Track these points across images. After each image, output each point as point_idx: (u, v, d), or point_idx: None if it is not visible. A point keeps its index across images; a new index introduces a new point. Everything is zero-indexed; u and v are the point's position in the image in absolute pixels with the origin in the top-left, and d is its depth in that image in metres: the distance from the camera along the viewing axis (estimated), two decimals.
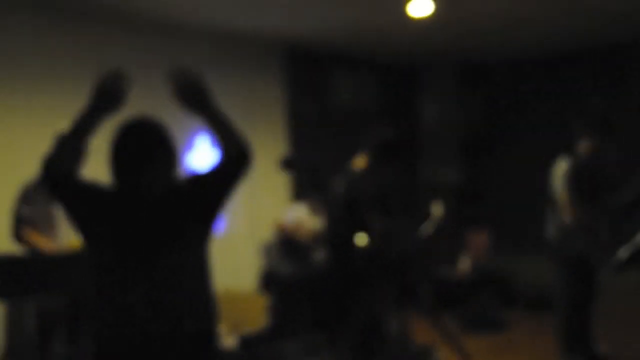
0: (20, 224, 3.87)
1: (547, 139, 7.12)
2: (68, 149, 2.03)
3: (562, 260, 4.23)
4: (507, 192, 7.69)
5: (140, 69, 5.56)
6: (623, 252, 3.59)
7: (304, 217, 5.95)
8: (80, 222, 2.07)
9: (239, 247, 6.21)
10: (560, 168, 4.23)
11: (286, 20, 5.72)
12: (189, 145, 5.76)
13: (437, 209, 3.81)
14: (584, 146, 4.23)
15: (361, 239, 3.36)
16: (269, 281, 5.89)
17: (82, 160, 2.05)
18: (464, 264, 7.00)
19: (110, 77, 2.05)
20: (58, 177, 2.03)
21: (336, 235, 3.64)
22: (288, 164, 2.51)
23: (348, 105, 7.30)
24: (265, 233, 6.08)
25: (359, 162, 3.96)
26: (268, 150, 6.36)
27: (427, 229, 3.71)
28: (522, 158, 7.56)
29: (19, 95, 4.80)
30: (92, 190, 2.07)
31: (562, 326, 4.24)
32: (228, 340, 4.56)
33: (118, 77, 2.06)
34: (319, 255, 5.85)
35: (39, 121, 4.76)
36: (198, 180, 2.17)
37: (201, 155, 5.82)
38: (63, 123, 3.76)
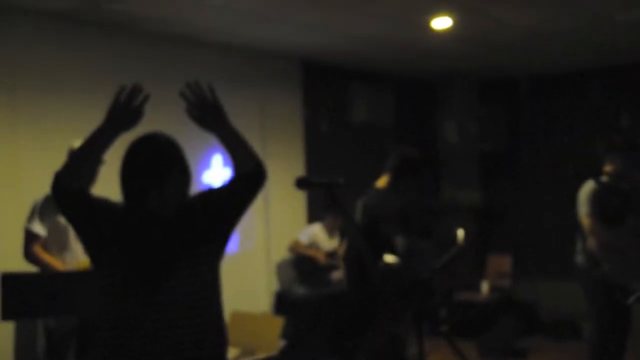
0: (31, 242, 3.78)
1: (573, 158, 6.98)
2: (80, 164, 2.01)
3: (591, 287, 4.14)
4: (530, 213, 7.51)
5: (156, 83, 5.55)
6: None
7: (319, 237, 5.84)
8: (89, 240, 2.03)
9: (253, 267, 6.11)
10: (586, 190, 4.13)
11: (303, 34, 5.66)
12: (205, 163, 5.68)
13: (461, 235, 3.74)
14: (609, 168, 4.15)
15: (389, 258, 3.30)
16: (284, 302, 5.78)
17: (95, 176, 2.08)
18: (485, 288, 6.82)
19: (128, 93, 2.02)
20: (69, 193, 2.00)
21: (358, 255, 3.56)
22: (303, 183, 2.39)
23: (365, 121, 7.20)
24: (280, 252, 5.97)
25: (382, 181, 3.94)
26: (284, 167, 6.27)
27: (449, 254, 3.64)
28: (546, 178, 7.40)
29: (26, 109, 4.72)
30: (102, 208, 2.03)
31: (594, 355, 4.15)
32: None
33: (135, 93, 2.03)
34: (335, 276, 5.73)
35: (49, 136, 4.68)
36: (210, 197, 2.12)
37: (216, 173, 5.73)
38: (73, 137, 3.71)
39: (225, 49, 5.90)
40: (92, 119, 2.06)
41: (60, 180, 1.98)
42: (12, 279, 3.32)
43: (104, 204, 2.04)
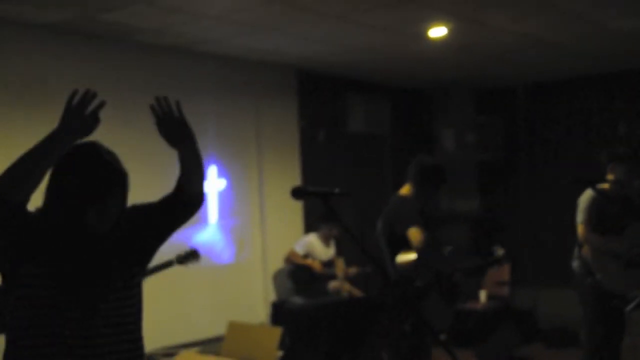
0: None
1: (571, 167, 6.97)
2: (27, 174, 1.79)
3: (585, 293, 4.16)
4: (528, 222, 7.50)
5: (152, 94, 5.55)
6: None
7: (315, 246, 5.82)
8: (15, 254, 1.85)
9: (249, 277, 6.08)
10: (584, 198, 4.14)
11: (299, 44, 5.65)
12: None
13: (500, 252, 3.84)
14: (610, 176, 4.16)
15: (404, 256, 3.30)
16: (281, 312, 5.74)
17: (34, 187, 1.82)
18: (483, 297, 6.79)
19: (80, 97, 1.86)
20: (8, 205, 1.79)
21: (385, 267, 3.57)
22: (299, 192, 2.37)
23: (361, 131, 7.19)
24: (277, 262, 5.95)
25: (405, 189, 3.97)
26: (279, 177, 6.26)
27: (485, 260, 3.71)
28: (543, 186, 7.39)
29: (22, 122, 4.71)
30: (36, 222, 1.85)
31: None
32: None
33: (87, 97, 1.86)
34: (332, 285, 5.71)
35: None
36: (147, 213, 2.03)
37: (211, 184, 5.70)
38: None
39: (221, 59, 5.89)
40: None
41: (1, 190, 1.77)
42: None
43: (37, 218, 1.87)
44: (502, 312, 6.75)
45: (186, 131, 2.06)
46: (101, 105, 1.89)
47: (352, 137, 7.11)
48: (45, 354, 1.82)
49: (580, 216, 4.11)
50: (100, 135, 1.97)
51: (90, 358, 1.84)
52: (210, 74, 5.83)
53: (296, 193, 2.31)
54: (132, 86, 5.08)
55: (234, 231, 5.96)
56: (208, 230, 5.77)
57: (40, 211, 1.88)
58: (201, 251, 4.19)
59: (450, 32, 5.36)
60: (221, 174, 5.71)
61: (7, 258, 1.85)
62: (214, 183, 5.69)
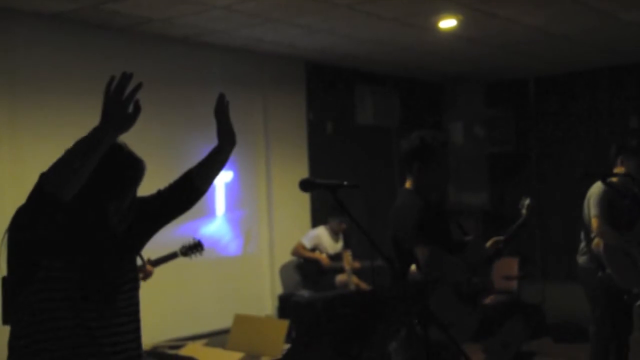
0: None
1: (581, 160, 6.91)
2: (76, 171, 1.72)
3: (595, 288, 4.14)
4: (538, 216, 7.44)
5: (159, 84, 5.54)
6: None
7: (323, 240, 5.80)
8: (40, 250, 1.83)
9: (257, 270, 6.07)
10: (595, 192, 4.09)
11: (307, 36, 5.61)
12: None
13: (526, 204, 3.48)
14: (620, 169, 4.12)
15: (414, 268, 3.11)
16: (288, 305, 5.73)
17: (80, 184, 1.75)
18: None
19: (117, 82, 1.73)
20: (57, 202, 1.75)
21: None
22: (307, 184, 2.33)
23: (370, 124, 7.14)
24: (284, 256, 5.93)
25: (408, 183, 3.52)
26: (287, 170, 6.23)
27: (514, 225, 3.43)
28: (554, 180, 7.33)
29: (27, 111, 4.69)
30: (70, 217, 1.83)
31: (596, 356, 4.19)
32: None
33: (124, 80, 1.73)
34: (339, 279, 5.69)
35: (50, 138, 4.60)
36: (153, 203, 2.05)
37: (222, 175, 5.68)
38: (72, 140, 3.66)
39: (229, 51, 5.86)
40: (93, 121, 1.91)
41: (51, 187, 1.73)
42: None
43: (71, 214, 1.83)
44: (510, 306, 6.71)
45: (234, 136, 2.10)
46: (138, 87, 1.77)
47: (361, 130, 7.07)
48: (69, 345, 1.84)
49: (593, 210, 4.06)
50: None
51: (115, 347, 1.88)
52: (218, 65, 5.80)
53: (304, 185, 2.28)
54: (140, 77, 5.04)
55: (241, 223, 5.94)
56: (215, 222, 5.76)
57: (65, 205, 1.83)
58: (208, 243, 4.18)
59: (461, 23, 5.31)
60: (228, 165, 5.69)
61: (32, 252, 1.84)
62: (223, 174, 5.68)
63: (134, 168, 1.92)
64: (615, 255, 4.03)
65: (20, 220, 1.83)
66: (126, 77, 1.73)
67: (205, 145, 4.53)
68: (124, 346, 1.92)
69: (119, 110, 1.72)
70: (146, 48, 5.32)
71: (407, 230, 2.94)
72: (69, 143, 3.80)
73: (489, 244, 3.34)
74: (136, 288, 1.99)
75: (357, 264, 5.77)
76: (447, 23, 5.29)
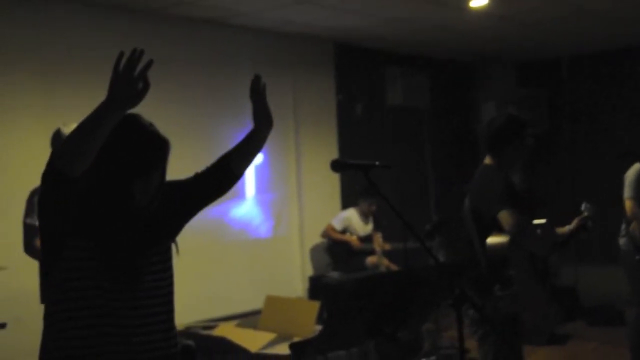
0: (33, 236, 3.44)
1: (617, 140, 6.77)
2: (85, 147, 1.71)
3: (636, 271, 4.09)
4: (572, 197, 7.32)
5: (188, 66, 5.55)
6: None
7: (354, 222, 5.78)
8: (64, 229, 1.82)
9: (287, 252, 6.09)
10: (631, 173, 4.02)
11: (336, 17, 5.57)
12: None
13: (586, 208, 3.42)
14: None
15: (493, 239, 3.05)
16: (318, 286, 5.74)
17: (90, 161, 1.74)
18: None
19: (126, 59, 1.69)
20: (67, 178, 1.74)
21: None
22: (339, 165, 2.31)
23: (400, 104, 7.08)
24: (314, 237, 5.93)
25: (488, 159, 3.40)
26: (317, 151, 6.21)
27: (573, 225, 3.38)
28: (588, 161, 7.20)
29: (60, 94, 4.73)
30: (83, 196, 1.81)
31: (637, 339, 4.13)
32: (278, 349, 4.40)
33: (135, 56, 1.68)
34: (370, 260, 5.68)
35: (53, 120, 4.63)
36: (177, 188, 2.02)
37: None
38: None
39: (258, 32, 5.84)
40: None
41: (60, 163, 1.73)
42: None
43: (85, 191, 1.81)
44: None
45: (271, 118, 2.09)
46: (149, 64, 1.73)
47: (391, 111, 7.01)
48: (95, 325, 1.83)
49: (627, 191, 4.01)
50: (135, 108, 1.83)
51: (140, 328, 1.87)
52: (246, 47, 5.78)
53: (336, 165, 2.26)
54: (167, 59, 5.06)
55: (272, 205, 5.95)
56: (246, 204, 5.78)
57: (87, 184, 1.83)
58: (239, 226, 4.17)
59: (492, 1, 5.23)
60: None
61: (56, 231, 1.84)
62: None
63: (158, 147, 1.89)
64: None
65: (39, 198, 1.85)
66: (137, 54, 1.69)
67: (234, 127, 4.52)
68: (153, 327, 1.90)
69: (127, 87, 1.68)
70: (175, 31, 5.32)
71: (494, 199, 2.96)
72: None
73: (560, 230, 3.33)
74: (166, 269, 1.95)
75: (387, 246, 5.75)
76: (478, 1, 5.21)
